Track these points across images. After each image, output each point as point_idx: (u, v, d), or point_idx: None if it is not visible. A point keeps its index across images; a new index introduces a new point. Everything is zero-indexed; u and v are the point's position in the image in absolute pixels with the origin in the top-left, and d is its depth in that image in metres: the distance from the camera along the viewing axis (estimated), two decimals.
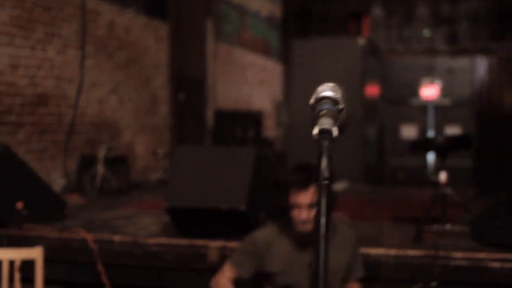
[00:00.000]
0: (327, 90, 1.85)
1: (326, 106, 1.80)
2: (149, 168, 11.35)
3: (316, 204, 3.65)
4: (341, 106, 1.84)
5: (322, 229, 1.63)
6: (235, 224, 5.34)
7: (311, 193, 3.73)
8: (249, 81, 16.55)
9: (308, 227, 3.76)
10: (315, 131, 1.72)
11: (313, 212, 3.72)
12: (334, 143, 1.70)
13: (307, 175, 3.77)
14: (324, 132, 1.71)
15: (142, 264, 5.45)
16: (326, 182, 1.67)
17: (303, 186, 3.75)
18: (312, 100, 1.85)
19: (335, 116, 1.78)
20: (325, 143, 1.70)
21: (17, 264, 4.45)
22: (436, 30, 17.61)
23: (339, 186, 9.92)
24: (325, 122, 1.73)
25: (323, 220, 1.64)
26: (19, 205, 5.77)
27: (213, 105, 13.58)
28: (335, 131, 1.72)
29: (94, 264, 5.25)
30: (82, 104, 9.64)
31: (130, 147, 10.97)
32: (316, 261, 1.61)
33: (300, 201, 3.75)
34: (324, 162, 1.67)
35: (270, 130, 16.43)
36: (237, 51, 15.78)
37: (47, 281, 4.54)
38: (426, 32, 17.56)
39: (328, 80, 1.93)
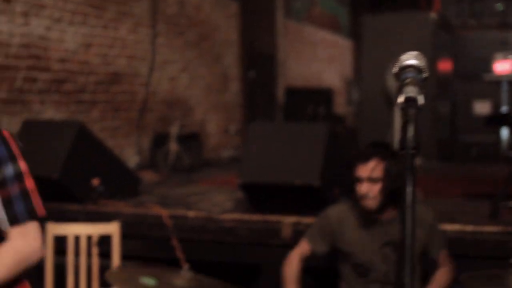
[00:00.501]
0: (411, 59, 1.82)
1: (410, 74, 1.77)
2: (221, 145, 11.40)
3: (380, 179, 3.65)
4: (425, 74, 1.80)
5: (409, 199, 1.60)
6: (308, 200, 5.32)
7: (370, 167, 3.71)
8: (319, 58, 16.46)
9: (370, 203, 3.73)
10: (400, 99, 1.69)
11: (374, 187, 3.70)
12: (420, 112, 1.67)
13: (367, 149, 3.78)
14: (409, 101, 1.68)
15: (216, 240, 5.47)
16: (412, 151, 1.64)
17: (362, 159, 3.75)
18: (395, 69, 1.81)
19: (420, 84, 1.74)
20: (411, 111, 1.66)
21: (95, 239, 4.51)
22: (509, 4, 17.22)
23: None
24: (411, 90, 1.70)
25: (409, 189, 1.61)
26: (95, 181, 5.85)
27: (283, 82, 13.56)
28: (420, 100, 1.69)
29: (168, 240, 5.29)
30: (154, 82, 9.72)
31: (202, 125, 11.03)
32: (402, 232, 1.58)
33: (359, 174, 3.74)
34: (410, 131, 1.64)
35: (340, 107, 16.33)
36: (307, 28, 15.69)
37: (123, 256, 4.59)
38: (499, 6, 17.18)
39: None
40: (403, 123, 1.65)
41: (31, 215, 2.46)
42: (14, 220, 2.44)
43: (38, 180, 2.57)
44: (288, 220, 5.25)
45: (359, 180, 3.76)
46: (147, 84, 9.52)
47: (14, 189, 2.44)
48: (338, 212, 4.00)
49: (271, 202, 5.50)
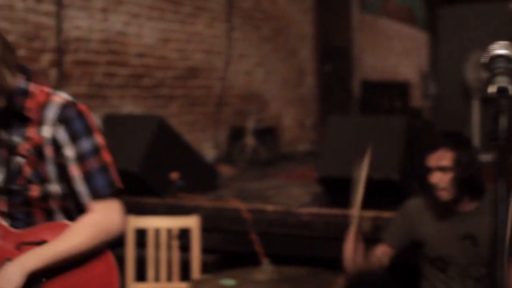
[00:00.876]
0: (501, 48, 1.78)
1: (501, 64, 1.73)
2: (296, 139, 11.38)
3: (449, 168, 3.58)
4: None
5: (501, 191, 1.57)
6: (387, 194, 5.26)
7: (438, 156, 3.65)
8: (394, 51, 16.30)
9: (442, 194, 3.67)
10: (492, 89, 1.65)
11: (444, 177, 3.64)
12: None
13: (437, 138, 3.77)
14: (501, 91, 1.64)
15: (293, 234, 5.46)
16: (504, 142, 1.60)
17: (431, 148, 3.70)
18: (485, 59, 1.78)
19: (511, 74, 1.71)
20: (503, 101, 1.63)
21: (175, 232, 4.55)
22: None
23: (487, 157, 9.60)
24: (502, 80, 1.66)
25: (501, 182, 1.58)
26: (174, 175, 5.91)
27: (359, 76, 13.46)
28: None
29: (247, 233, 5.30)
30: (230, 77, 9.76)
31: (277, 119, 11.03)
32: (494, 224, 1.55)
33: (429, 164, 3.69)
34: (502, 122, 1.60)
35: (417, 100, 16.13)
36: (382, 21, 15.55)
37: (202, 249, 4.62)
38: None
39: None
40: (495, 113, 1.62)
41: (112, 189, 2.50)
42: (95, 194, 2.48)
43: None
44: (367, 214, 5.21)
45: (429, 170, 3.71)
46: (223, 78, 9.56)
47: (93, 163, 2.48)
48: (415, 205, 3.95)
49: (349, 196, 5.45)
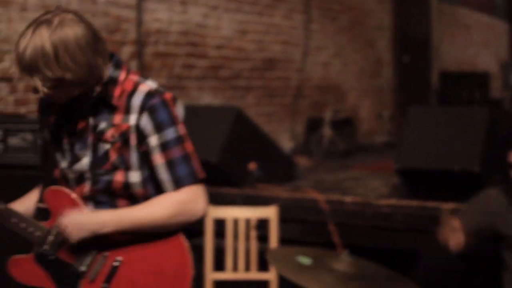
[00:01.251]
0: None
1: None
2: (373, 130, 11.32)
3: None
4: None
5: None
6: (467, 187, 5.19)
7: None
8: (473, 41, 16.03)
9: None
10: None
11: None
12: None
13: None
14: None
15: (372, 225, 5.44)
16: None
17: (510, 144, 3.60)
18: None
19: None
20: None
21: (253, 223, 4.58)
22: None
23: None
24: None
25: None
26: (252, 166, 5.94)
27: (438, 67, 13.28)
28: None
29: (325, 224, 5.30)
30: (308, 68, 9.76)
31: (354, 110, 10.99)
32: None
33: (510, 160, 3.62)
34: None
35: (496, 91, 15.84)
36: (461, 11, 15.30)
37: (280, 239, 4.64)
38: None
39: None
40: None
41: (194, 178, 2.53)
42: (178, 182, 2.51)
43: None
44: (447, 206, 5.15)
45: (510, 166, 3.64)
46: (300, 69, 9.56)
47: (176, 152, 2.51)
48: (497, 196, 3.89)
49: (429, 188, 5.41)
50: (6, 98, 5.76)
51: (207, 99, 7.98)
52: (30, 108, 5.91)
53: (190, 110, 6.47)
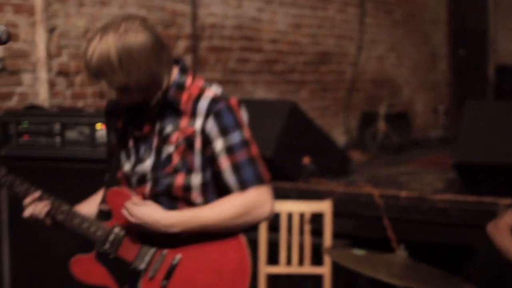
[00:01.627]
0: None
1: None
2: (429, 125, 11.21)
3: None
4: None
5: None
6: None
7: None
8: None
9: None
10: None
11: None
12: None
13: None
14: None
15: (427, 220, 5.39)
16: None
17: None
18: None
19: None
20: None
21: (307, 217, 4.59)
22: None
23: None
24: None
25: None
26: (306, 160, 5.94)
27: (494, 60, 13.10)
28: None
29: (380, 219, 5.27)
30: (362, 62, 9.72)
31: (409, 104, 10.90)
32: None
33: None
34: None
35: None
36: None
37: (334, 234, 4.64)
38: None
39: None
40: None
41: (259, 181, 2.56)
42: (244, 185, 2.54)
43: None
44: (504, 201, 5.09)
45: None
46: (355, 63, 9.53)
47: (241, 155, 2.55)
48: None
49: (486, 183, 5.34)
50: (64, 92, 5.84)
51: (261, 93, 8.00)
52: (87, 102, 5.99)
53: (245, 105, 6.50)
